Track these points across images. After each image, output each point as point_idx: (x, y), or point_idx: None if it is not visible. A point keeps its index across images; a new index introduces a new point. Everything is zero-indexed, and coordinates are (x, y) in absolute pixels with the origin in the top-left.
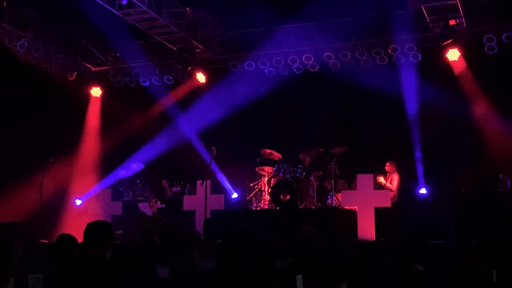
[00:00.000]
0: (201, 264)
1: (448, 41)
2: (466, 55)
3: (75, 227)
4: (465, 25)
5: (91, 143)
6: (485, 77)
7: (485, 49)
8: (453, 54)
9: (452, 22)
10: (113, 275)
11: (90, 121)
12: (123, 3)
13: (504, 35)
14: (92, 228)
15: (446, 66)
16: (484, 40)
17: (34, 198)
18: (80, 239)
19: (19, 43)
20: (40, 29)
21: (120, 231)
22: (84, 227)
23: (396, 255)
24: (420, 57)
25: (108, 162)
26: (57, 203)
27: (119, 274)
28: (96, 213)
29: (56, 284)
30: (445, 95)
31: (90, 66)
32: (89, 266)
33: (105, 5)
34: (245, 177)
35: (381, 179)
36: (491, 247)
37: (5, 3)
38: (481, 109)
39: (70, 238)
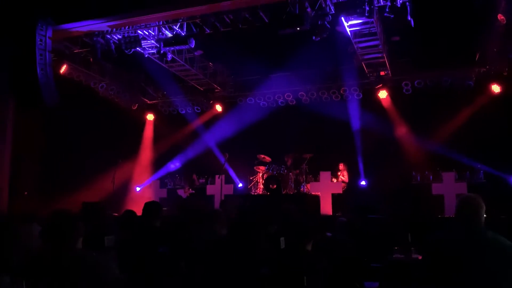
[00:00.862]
0: (219, 231)
1: (379, 85)
2: (391, 94)
3: (136, 205)
4: (390, 75)
5: (147, 150)
6: (403, 109)
7: (403, 91)
8: (382, 94)
9: (382, 73)
10: (161, 237)
11: (146, 136)
12: (168, 59)
13: (416, 82)
14: (147, 206)
15: (378, 101)
16: (403, 85)
17: (109, 186)
18: (138, 213)
19: (100, 85)
20: (114, 75)
21: (165, 208)
22: (141, 205)
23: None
24: (361, 96)
25: (158, 163)
26: (124, 189)
27: (164, 236)
28: (149, 196)
29: (124, 242)
30: (377, 120)
31: (146, 100)
32: (145, 231)
33: (157, 61)
34: (247, 173)
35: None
36: (407, 219)
37: (91, 59)
38: (400, 129)
39: (132, 212)
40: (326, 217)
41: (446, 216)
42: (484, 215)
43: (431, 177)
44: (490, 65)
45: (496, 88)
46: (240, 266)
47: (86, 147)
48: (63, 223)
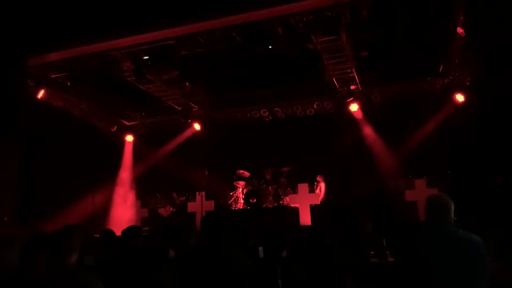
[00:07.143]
0: (198, 244)
1: (350, 99)
2: (362, 107)
3: (117, 226)
4: (360, 89)
5: (127, 171)
6: (374, 120)
7: (373, 103)
8: (353, 107)
9: (352, 87)
10: (142, 255)
11: (126, 157)
12: (145, 81)
13: (384, 93)
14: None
15: (350, 114)
16: (372, 97)
17: (90, 208)
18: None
19: (78, 109)
20: (92, 98)
21: (146, 228)
22: (123, 226)
23: None
24: (333, 109)
25: (138, 183)
26: (105, 211)
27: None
28: (131, 216)
29: (104, 261)
30: (350, 132)
31: (125, 122)
32: (126, 250)
33: (134, 82)
34: (227, 189)
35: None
36: (381, 224)
37: (68, 83)
38: (371, 139)
39: (110, 231)
40: (306, 227)
41: (419, 221)
42: (454, 218)
43: (404, 184)
44: (453, 75)
45: (460, 97)
46: (214, 276)
47: (66, 170)
48: (61, 235)
